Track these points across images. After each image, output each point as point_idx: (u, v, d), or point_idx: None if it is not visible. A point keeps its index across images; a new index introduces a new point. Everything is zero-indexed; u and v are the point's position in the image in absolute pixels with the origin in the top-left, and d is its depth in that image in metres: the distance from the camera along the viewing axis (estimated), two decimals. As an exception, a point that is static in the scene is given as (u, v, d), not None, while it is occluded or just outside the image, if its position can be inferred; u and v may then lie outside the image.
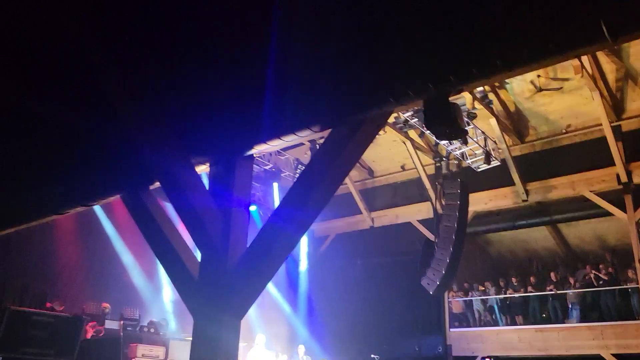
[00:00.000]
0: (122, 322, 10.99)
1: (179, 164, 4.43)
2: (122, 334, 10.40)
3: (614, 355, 12.01)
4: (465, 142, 12.51)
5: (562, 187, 13.59)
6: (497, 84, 13.09)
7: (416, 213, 15.82)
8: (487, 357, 3.56)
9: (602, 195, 12.99)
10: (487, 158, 12.89)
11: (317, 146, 13.09)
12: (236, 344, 4.42)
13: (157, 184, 5.07)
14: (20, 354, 7.75)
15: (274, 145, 4.46)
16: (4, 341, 7.65)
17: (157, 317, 12.60)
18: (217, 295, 4.32)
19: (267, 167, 15.17)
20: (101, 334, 10.44)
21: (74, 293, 11.03)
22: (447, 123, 3.50)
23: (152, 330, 11.24)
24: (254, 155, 4.92)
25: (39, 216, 5.51)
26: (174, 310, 13.34)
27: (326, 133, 4.22)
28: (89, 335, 10.06)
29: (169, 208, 4.81)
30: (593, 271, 13.14)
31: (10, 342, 7.74)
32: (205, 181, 4.89)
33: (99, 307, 11.27)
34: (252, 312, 13.72)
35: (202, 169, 4.98)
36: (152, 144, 4.59)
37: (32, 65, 4.82)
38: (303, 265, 16.60)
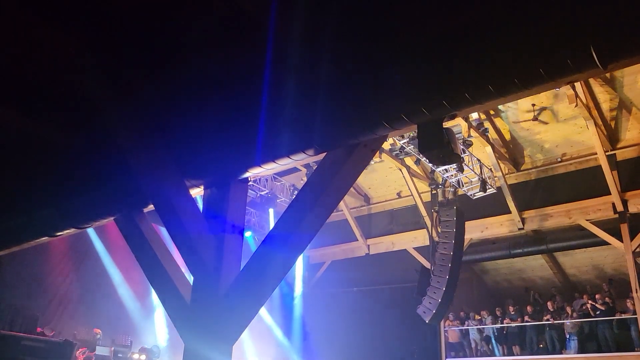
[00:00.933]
0: (112, 348, 10.84)
1: (173, 187, 4.42)
2: (112, 361, 10.25)
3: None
4: (461, 170, 12.55)
5: (557, 215, 13.59)
6: (492, 112, 13.19)
7: (412, 240, 15.78)
8: None
9: (598, 224, 12.99)
10: (483, 186, 12.91)
11: (314, 172, 13.09)
12: (227, 370, 4.35)
13: (152, 207, 5.05)
14: (8, 380, 7.62)
15: (269, 168, 4.46)
16: (-7, 366, 7.52)
17: (148, 343, 12.44)
18: (209, 320, 4.26)
19: (263, 193, 15.15)
20: (91, 361, 10.28)
21: (66, 318, 10.90)
22: (441, 147, 3.50)
23: (143, 356, 11.08)
24: (249, 180, 4.91)
25: (31, 238, 5.47)
26: (166, 336, 13.17)
27: (321, 157, 4.23)
28: (79, 362, 9.90)
29: (163, 232, 4.79)
30: (590, 301, 13.05)
31: (-1, 367, 7.61)
32: (200, 204, 4.88)
33: (91, 332, 11.13)
34: (245, 337, 13.56)
35: (197, 192, 4.97)
36: (146, 167, 4.58)
37: (26, 88, 4.83)
38: (298, 291, 16.46)
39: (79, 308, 11.54)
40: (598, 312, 12.82)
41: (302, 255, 16.76)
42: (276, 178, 15.53)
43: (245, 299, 4.31)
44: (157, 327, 13.33)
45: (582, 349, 12.83)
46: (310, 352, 15.22)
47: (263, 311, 14.99)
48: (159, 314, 13.19)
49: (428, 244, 14.67)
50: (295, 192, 14.95)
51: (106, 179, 5.01)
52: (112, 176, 4.95)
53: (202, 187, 4.88)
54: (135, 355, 11.05)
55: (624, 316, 12.43)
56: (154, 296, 13.20)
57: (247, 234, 14.76)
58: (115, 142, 4.74)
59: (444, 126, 3.62)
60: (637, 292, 12.02)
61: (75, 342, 9.47)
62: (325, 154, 4.15)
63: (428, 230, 14.77)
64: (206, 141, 4.64)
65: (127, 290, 12.75)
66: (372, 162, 13.06)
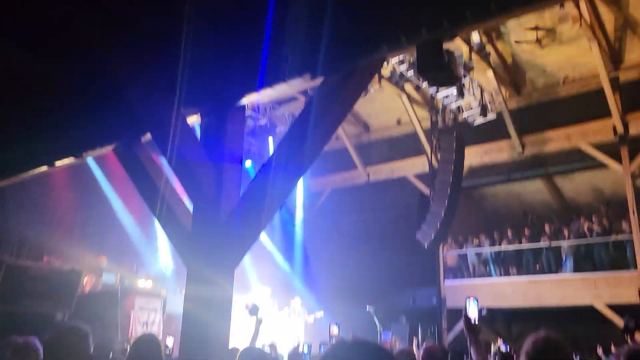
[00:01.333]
0: (119, 275, 11.10)
1: (170, 115, 4.35)
2: (119, 287, 10.51)
3: (607, 305, 12.22)
4: (461, 95, 12.40)
5: (558, 139, 13.56)
6: (494, 35, 12.86)
7: (412, 167, 15.83)
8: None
9: (598, 147, 12.98)
10: (483, 111, 12.80)
11: (312, 100, 12.94)
12: (230, 294, 4.46)
13: (149, 136, 5.02)
14: (18, 306, 7.83)
15: (265, 94, 4.39)
16: (2, 294, 7.71)
17: (153, 271, 12.74)
18: (210, 246, 4.32)
19: (262, 123, 15.06)
20: (98, 288, 10.56)
21: (71, 247, 11.08)
22: (440, 69, 3.42)
23: (149, 282, 11.38)
24: (247, 107, 4.85)
25: (30, 168, 5.47)
26: (171, 263, 13.47)
27: (319, 84, 4.15)
28: (86, 289, 10.17)
29: (163, 163, 4.77)
30: (587, 222, 13.26)
31: (8, 295, 7.81)
32: (198, 133, 4.84)
33: (96, 260, 11.36)
34: (247, 263, 13.89)
35: (194, 120, 4.92)
36: (142, 95, 4.51)
37: (21, 19, 4.69)
38: (299, 218, 16.70)
39: (83, 237, 11.72)
40: (594, 234, 13.04)
41: (302, 183, 16.91)
42: (275, 107, 15.38)
43: (245, 225, 4.36)
44: (161, 254, 13.62)
45: (577, 269, 13.14)
46: (311, 277, 15.64)
47: (264, 238, 15.28)
48: (163, 242, 13.44)
49: (428, 170, 14.73)
50: (293, 121, 14.85)
51: (103, 108, 4.95)
52: (109, 105, 4.89)
53: (199, 115, 4.83)
54: (142, 282, 11.32)
55: (619, 237, 12.66)
56: (157, 224, 13.39)
57: (247, 163, 14.78)
58: (111, 70, 4.65)
59: (444, 48, 3.52)
60: (634, 214, 12.18)
61: (82, 270, 9.68)
62: (322, 79, 4.07)
63: (428, 157, 14.78)
64: (202, 68, 4.54)
65: (130, 219, 12.92)
66: (371, 91, 12.87)
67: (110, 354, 6.41)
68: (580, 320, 14.06)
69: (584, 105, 13.14)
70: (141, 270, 12.39)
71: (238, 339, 5.92)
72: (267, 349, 6.83)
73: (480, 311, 3.49)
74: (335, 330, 9.75)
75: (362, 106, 15.96)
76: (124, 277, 11.16)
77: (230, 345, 4.68)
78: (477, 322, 3.18)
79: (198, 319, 4.21)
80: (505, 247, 14.50)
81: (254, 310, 5.06)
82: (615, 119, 12.48)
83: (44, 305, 8.05)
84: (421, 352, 4.19)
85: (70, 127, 5.23)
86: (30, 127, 5.45)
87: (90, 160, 12.15)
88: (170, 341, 8.09)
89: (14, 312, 7.79)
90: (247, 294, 12.99)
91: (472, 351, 3.13)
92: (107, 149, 5.23)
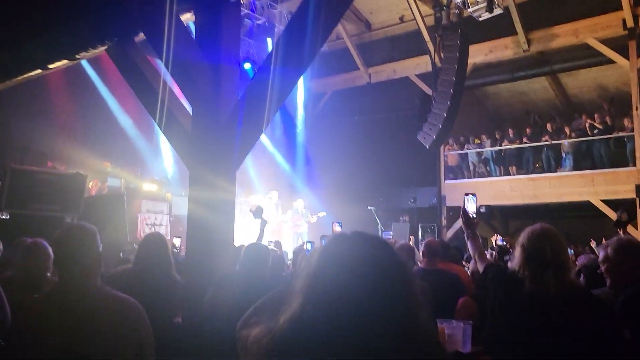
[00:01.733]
0: (123, 180, 11.24)
1: (162, 12, 4.19)
2: (124, 190, 10.68)
3: (602, 200, 12.44)
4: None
5: (565, 34, 13.14)
6: None
7: (414, 67, 15.50)
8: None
9: (606, 42, 12.60)
10: (490, 5, 12.29)
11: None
12: (233, 195, 4.53)
13: (143, 36, 4.88)
14: (26, 210, 7.95)
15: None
16: (10, 198, 7.79)
17: (157, 175, 12.88)
18: (211, 147, 4.33)
19: (259, 22, 14.58)
20: (104, 191, 10.72)
21: (74, 153, 11.13)
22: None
23: (153, 187, 11.54)
24: (244, 6, 4.66)
25: (24, 71, 5.37)
26: (175, 168, 13.60)
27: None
28: (92, 192, 10.33)
29: (159, 64, 4.66)
30: (588, 120, 13.18)
31: (15, 199, 7.88)
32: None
33: (100, 165, 11.46)
34: (250, 167, 14.02)
35: (187, 18, 4.76)
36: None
37: None
38: (300, 120, 16.64)
39: (85, 142, 11.73)
40: (596, 131, 13.01)
41: (303, 85, 16.67)
42: (272, 5, 14.82)
43: (245, 126, 4.34)
44: (165, 158, 13.72)
45: (576, 167, 13.24)
46: (313, 178, 15.82)
47: (266, 140, 15.30)
48: (165, 146, 13.50)
49: (430, 70, 14.43)
50: (290, 19, 14.37)
51: (92, 6, 4.76)
52: (99, 3, 4.70)
53: (193, 12, 4.66)
54: (147, 185, 11.48)
55: (621, 134, 12.63)
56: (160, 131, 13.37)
57: (246, 65, 14.47)
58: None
59: None
60: (637, 110, 12.07)
61: (87, 174, 9.76)
62: (320, -31, 3.87)
63: (431, 56, 14.43)
64: (192, -40, 4.32)
65: (131, 124, 12.85)
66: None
67: (120, 254, 6.63)
68: (576, 216, 14.42)
69: (595, -3, 12.63)
70: (145, 174, 12.53)
71: (243, 240, 6.08)
72: (272, 247, 7.03)
73: (478, 209, 3.53)
74: (337, 228, 9.99)
75: (363, 2, 15.37)
76: (128, 181, 11.30)
77: (236, 244, 4.82)
78: (474, 217, 3.21)
79: (202, 219, 4.30)
80: (506, 146, 14.52)
81: (258, 212, 5.16)
82: (626, 12, 12.03)
83: (52, 209, 8.18)
84: (421, 246, 4.32)
85: (61, 29, 5.06)
86: (22, 30, 5.28)
87: (85, 64, 11.92)
88: (177, 241, 8.34)
89: (24, 216, 7.93)
90: (250, 196, 13.24)
91: (469, 245, 3.19)
92: (100, 50, 5.10)
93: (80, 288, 2.16)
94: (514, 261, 2.42)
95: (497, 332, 2.43)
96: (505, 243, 8.22)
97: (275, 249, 6.98)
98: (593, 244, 8.50)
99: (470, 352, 3.29)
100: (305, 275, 1.29)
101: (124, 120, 12.78)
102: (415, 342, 1.22)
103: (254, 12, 14.29)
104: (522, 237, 2.42)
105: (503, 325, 2.38)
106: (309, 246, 9.21)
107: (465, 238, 3.20)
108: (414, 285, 1.30)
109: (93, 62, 11.72)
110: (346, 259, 1.26)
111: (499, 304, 2.43)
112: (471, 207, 3.21)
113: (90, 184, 10.07)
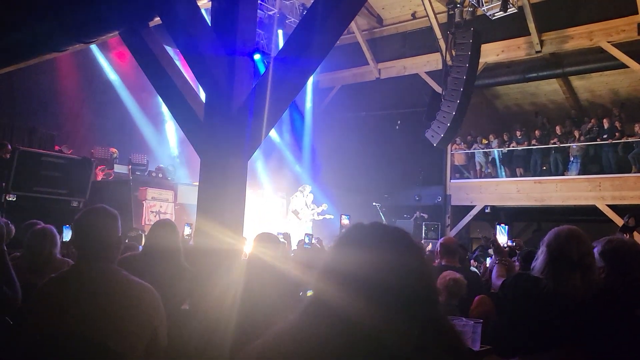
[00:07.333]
0: (130, 166, 11.23)
1: (178, -4, 4.14)
2: (131, 177, 10.67)
3: (608, 205, 12.37)
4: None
5: (578, 37, 13.05)
6: None
7: (424, 64, 15.43)
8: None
9: (620, 46, 12.51)
10: (504, 4, 12.20)
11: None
12: (243, 185, 4.50)
13: (158, 21, 4.84)
14: (33, 192, 7.96)
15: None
16: (17, 180, 7.80)
17: (164, 163, 12.87)
18: (223, 136, 4.29)
19: (271, 13, 14.52)
20: (111, 177, 10.72)
21: (81, 138, 11.14)
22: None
23: (160, 175, 11.53)
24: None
25: (37, 53, 5.33)
26: (181, 157, 13.59)
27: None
28: (99, 178, 10.32)
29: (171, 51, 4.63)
30: (596, 122, 13.10)
31: (22, 181, 7.90)
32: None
33: (107, 151, 11.45)
34: (258, 161, 14.00)
35: (204, 4, 4.72)
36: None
37: None
38: (307, 115, 16.60)
39: (92, 128, 11.74)
40: (605, 135, 12.93)
41: (311, 79, 16.60)
42: (285, -4, 14.77)
43: (256, 118, 4.30)
44: (170, 144, 13.72)
45: (583, 171, 13.18)
46: (319, 173, 15.80)
47: (273, 134, 15.27)
48: (171, 134, 13.50)
49: (441, 68, 14.36)
50: (305, 12, 14.30)
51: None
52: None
53: (209, -1, 4.60)
54: (152, 173, 11.47)
55: (630, 139, 12.55)
56: (167, 120, 13.39)
57: (256, 56, 14.42)
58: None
59: None
60: (648, 116, 12.00)
61: (93, 159, 9.77)
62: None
63: (442, 54, 14.34)
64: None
65: (138, 111, 12.84)
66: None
67: (125, 240, 6.61)
68: (581, 220, 14.35)
69: (610, 1, 12.51)
70: (152, 163, 12.52)
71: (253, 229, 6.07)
72: (281, 239, 7.03)
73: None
74: (345, 221, 10.03)
75: (376, -3, 15.32)
76: (135, 169, 11.29)
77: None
78: (505, 246, 3.49)
79: (212, 206, 4.26)
80: (513, 147, 14.44)
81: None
82: (642, 16, 11.95)
83: (59, 193, 8.18)
84: (437, 245, 4.33)
85: (74, 10, 5.02)
86: (33, 10, 5.25)
87: (95, 49, 11.89)
88: (188, 230, 8.34)
89: (31, 198, 7.94)
90: (257, 190, 13.22)
91: (496, 269, 3.42)
92: (114, 34, 5.06)
93: (98, 271, 2.13)
94: (537, 260, 2.39)
95: (513, 330, 2.40)
96: (514, 244, 8.20)
97: (284, 241, 6.95)
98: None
99: (479, 351, 3.30)
100: (325, 262, 1.26)
101: (133, 108, 12.76)
102: (435, 330, 1.20)
103: (265, 2, 14.24)
104: (548, 237, 2.39)
105: (520, 324, 2.35)
106: (306, 239, 9.24)
107: (493, 262, 3.45)
108: (432, 275, 1.30)
109: (102, 47, 11.70)
110: (367, 245, 1.23)
111: (518, 303, 2.41)
112: (502, 238, 3.48)
113: (97, 169, 10.06)
